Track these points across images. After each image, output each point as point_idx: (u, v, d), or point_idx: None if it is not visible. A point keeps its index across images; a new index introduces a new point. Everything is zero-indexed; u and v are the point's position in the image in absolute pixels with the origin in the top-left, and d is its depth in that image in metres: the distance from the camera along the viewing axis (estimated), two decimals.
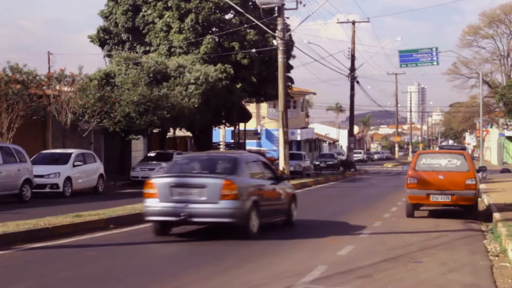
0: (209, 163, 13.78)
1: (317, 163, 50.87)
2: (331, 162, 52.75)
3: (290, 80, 42.22)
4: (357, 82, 49.65)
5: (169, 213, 12.57)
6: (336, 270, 9.59)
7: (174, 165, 14.13)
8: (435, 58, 43.63)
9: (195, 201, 12.44)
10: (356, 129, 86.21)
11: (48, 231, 12.90)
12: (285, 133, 29.66)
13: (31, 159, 23.12)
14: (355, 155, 61.17)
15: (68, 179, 23.81)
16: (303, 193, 25.93)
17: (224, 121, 39.93)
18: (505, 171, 45.42)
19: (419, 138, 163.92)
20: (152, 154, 34.73)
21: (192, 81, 33.06)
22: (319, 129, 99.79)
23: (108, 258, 10.84)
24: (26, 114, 26.45)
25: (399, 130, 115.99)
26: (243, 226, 12.67)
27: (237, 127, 48.01)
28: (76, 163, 24.78)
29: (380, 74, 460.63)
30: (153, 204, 12.78)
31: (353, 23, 49.97)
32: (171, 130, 40.01)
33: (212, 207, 12.39)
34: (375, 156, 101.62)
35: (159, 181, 12.90)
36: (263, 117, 65.31)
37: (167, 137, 40.36)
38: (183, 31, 37.85)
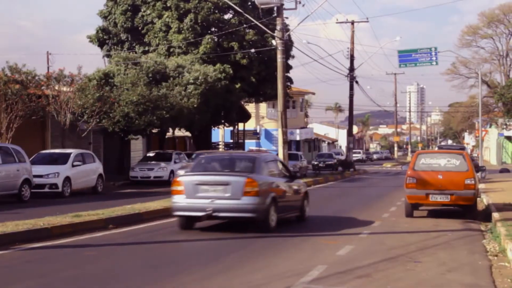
0: (230, 162, 14.68)
1: (315, 163, 50.80)
2: (330, 162, 52.64)
3: (289, 80, 42.25)
4: (356, 82, 49.62)
5: (195, 208, 13.41)
6: (335, 270, 9.60)
7: (198, 164, 14.88)
8: (434, 58, 43.71)
9: (220, 197, 13.27)
10: (355, 129, 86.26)
11: (47, 231, 12.90)
12: (284, 133, 29.58)
13: (30, 159, 23.12)
14: (354, 155, 61.07)
15: (67, 179, 23.81)
16: None
17: (223, 121, 39.92)
18: (504, 171, 45.46)
19: (418, 138, 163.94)
20: (151, 154, 34.71)
21: (191, 81, 33.07)
22: (318, 129, 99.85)
23: (108, 258, 10.84)
24: (25, 114, 26.45)
25: (398, 130, 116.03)
26: (263, 220, 13.49)
27: (236, 127, 48.03)
28: (75, 163, 24.76)
29: (379, 74, 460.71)
30: (180, 200, 13.62)
31: (352, 23, 49.94)
32: (170, 130, 40.02)
33: (236, 203, 13.24)
34: (374, 156, 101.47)
35: (185, 179, 13.77)
36: (262, 117, 65.37)
37: (166, 137, 40.38)
38: (182, 31, 37.86)
